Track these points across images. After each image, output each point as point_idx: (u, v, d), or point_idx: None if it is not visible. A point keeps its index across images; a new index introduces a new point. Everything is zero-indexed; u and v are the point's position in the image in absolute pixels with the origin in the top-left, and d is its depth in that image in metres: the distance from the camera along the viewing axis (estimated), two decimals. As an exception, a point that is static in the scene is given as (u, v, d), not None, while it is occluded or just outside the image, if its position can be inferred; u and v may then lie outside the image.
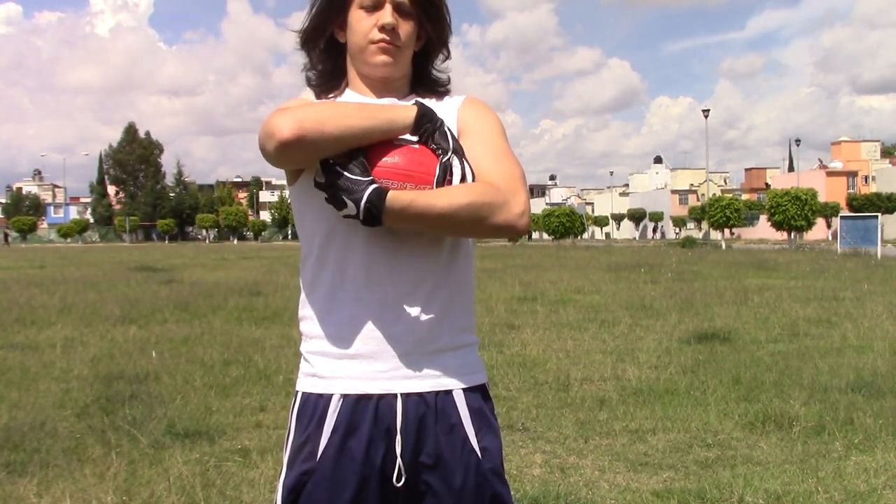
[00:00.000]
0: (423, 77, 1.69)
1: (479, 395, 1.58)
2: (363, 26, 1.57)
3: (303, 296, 1.61)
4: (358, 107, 1.47)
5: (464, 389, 1.55)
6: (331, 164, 1.41)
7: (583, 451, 4.40)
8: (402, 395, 1.51)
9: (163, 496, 3.61)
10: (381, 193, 1.38)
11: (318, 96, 1.68)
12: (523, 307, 11.31)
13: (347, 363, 1.52)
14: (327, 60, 1.68)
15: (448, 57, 1.70)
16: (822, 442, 4.47)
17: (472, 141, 1.53)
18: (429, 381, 1.52)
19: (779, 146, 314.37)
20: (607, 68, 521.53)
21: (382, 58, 1.57)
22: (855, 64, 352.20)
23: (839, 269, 18.29)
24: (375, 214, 1.38)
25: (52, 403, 5.39)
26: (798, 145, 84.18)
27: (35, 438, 4.52)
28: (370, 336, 1.51)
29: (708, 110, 53.28)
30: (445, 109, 1.61)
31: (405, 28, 1.58)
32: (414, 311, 1.51)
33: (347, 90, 1.67)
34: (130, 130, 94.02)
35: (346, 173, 1.39)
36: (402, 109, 1.47)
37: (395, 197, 1.39)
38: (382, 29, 1.55)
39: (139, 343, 8.10)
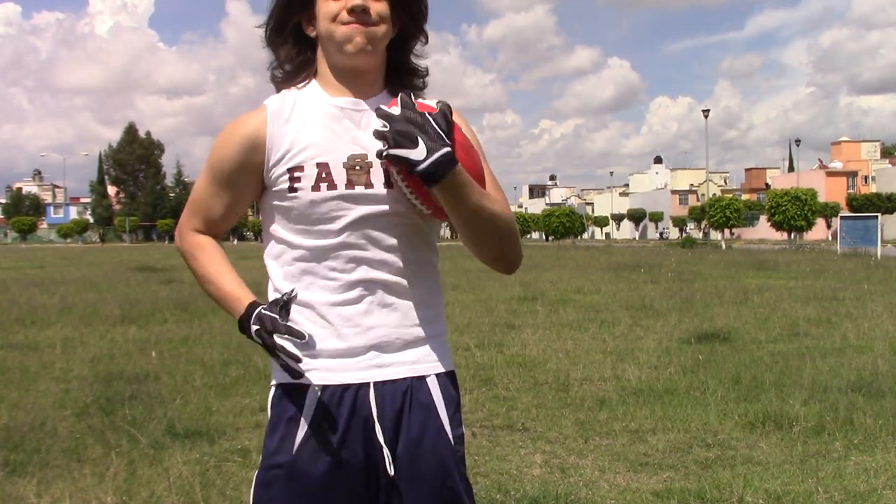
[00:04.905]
0: (399, 68, 1.61)
1: (450, 381, 1.61)
2: (331, 10, 1.48)
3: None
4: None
5: (437, 375, 1.58)
6: (412, 105, 1.41)
7: (583, 451, 4.40)
8: (375, 384, 1.52)
9: (163, 496, 3.60)
10: (453, 157, 1.40)
11: (279, 90, 1.61)
12: (523, 307, 11.30)
13: (322, 354, 1.52)
14: (296, 57, 1.59)
15: (426, 41, 1.62)
16: (822, 442, 4.46)
17: None
18: (403, 367, 1.54)
19: (778, 146, 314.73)
20: (606, 68, 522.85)
21: (357, 41, 1.47)
22: (854, 64, 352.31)
23: (839, 269, 18.27)
24: (444, 169, 1.38)
25: (51, 403, 5.39)
26: (798, 145, 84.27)
27: (35, 438, 4.51)
28: (344, 328, 1.52)
29: (707, 110, 53.31)
30: None
31: (377, 7, 1.48)
32: (386, 303, 1.54)
33: (313, 81, 1.58)
34: (130, 130, 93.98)
35: (433, 121, 1.40)
36: None
37: (463, 170, 1.43)
38: (352, 11, 1.46)
39: (139, 343, 8.09)
